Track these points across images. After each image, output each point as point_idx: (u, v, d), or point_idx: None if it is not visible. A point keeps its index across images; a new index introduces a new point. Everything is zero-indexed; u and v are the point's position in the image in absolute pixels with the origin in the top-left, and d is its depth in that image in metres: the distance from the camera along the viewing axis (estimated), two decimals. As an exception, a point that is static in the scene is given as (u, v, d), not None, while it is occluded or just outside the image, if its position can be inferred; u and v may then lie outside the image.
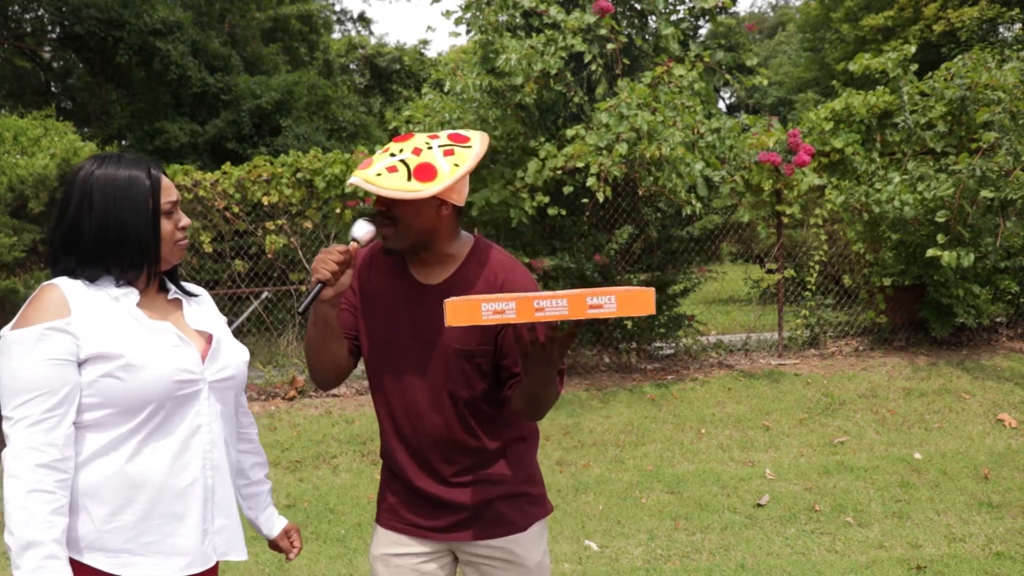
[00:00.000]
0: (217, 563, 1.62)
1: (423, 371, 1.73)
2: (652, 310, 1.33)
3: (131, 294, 1.56)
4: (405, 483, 1.81)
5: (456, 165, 1.61)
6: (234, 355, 1.67)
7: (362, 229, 1.66)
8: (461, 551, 1.83)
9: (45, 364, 1.43)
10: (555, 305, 1.32)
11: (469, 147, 1.65)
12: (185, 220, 1.63)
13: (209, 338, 1.64)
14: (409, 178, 1.58)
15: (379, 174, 1.59)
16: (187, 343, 1.57)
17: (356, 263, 1.77)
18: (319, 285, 1.58)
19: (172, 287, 1.68)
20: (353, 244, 1.64)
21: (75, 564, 1.45)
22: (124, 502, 1.47)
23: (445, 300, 1.36)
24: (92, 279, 1.53)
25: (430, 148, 1.63)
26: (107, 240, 1.53)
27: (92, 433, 1.48)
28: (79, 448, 1.47)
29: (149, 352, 1.49)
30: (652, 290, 1.34)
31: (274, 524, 1.86)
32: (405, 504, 1.82)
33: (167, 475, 1.51)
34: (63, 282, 1.51)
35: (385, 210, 1.66)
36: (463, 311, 1.32)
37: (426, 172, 1.59)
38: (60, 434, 1.43)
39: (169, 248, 1.60)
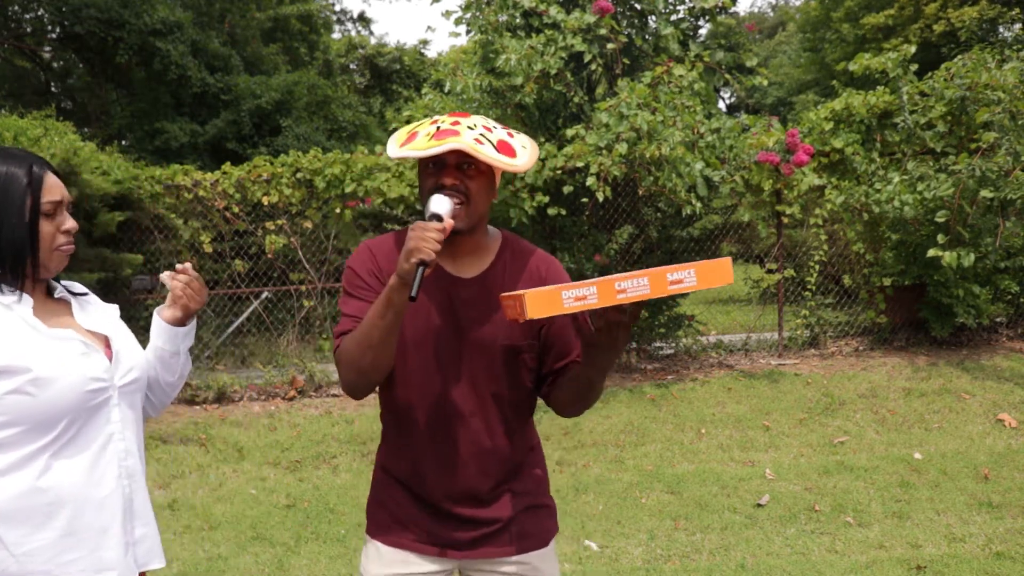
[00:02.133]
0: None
1: (465, 371, 1.60)
2: (731, 279, 1.32)
3: (24, 300, 1.44)
4: (423, 496, 1.66)
5: (523, 147, 1.57)
6: (134, 355, 1.57)
7: (444, 204, 1.49)
8: (474, 569, 1.69)
9: None
10: (637, 284, 1.28)
11: (523, 141, 1.61)
12: (71, 223, 1.49)
13: (106, 340, 1.54)
14: (497, 152, 1.51)
15: (479, 141, 1.49)
16: (93, 350, 1.48)
17: (375, 253, 1.64)
18: (422, 266, 1.39)
19: (58, 286, 1.56)
20: (442, 222, 1.47)
21: None
22: (41, 520, 1.37)
23: (522, 292, 1.28)
24: None
25: (494, 129, 1.57)
26: None
27: (1, 452, 1.37)
28: None
29: (57, 363, 1.39)
30: (729, 259, 1.33)
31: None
32: (417, 519, 1.66)
33: (84, 488, 1.42)
34: None
35: (457, 184, 1.53)
36: (543, 302, 1.25)
37: (507, 149, 1.53)
38: None
39: (48, 253, 1.46)
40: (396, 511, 1.68)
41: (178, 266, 1.62)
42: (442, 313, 1.60)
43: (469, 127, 1.52)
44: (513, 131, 1.60)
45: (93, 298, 1.65)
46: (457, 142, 1.47)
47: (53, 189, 1.46)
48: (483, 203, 1.58)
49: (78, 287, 1.63)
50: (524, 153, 1.55)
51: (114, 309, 1.67)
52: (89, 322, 1.55)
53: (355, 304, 1.61)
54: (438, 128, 1.52)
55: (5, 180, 1.42)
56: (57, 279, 1.57)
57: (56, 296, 1.55)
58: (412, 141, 1.53)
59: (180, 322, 1.63)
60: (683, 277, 1.30)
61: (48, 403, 1.38)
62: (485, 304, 1.61)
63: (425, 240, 1.40)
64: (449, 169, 1.53)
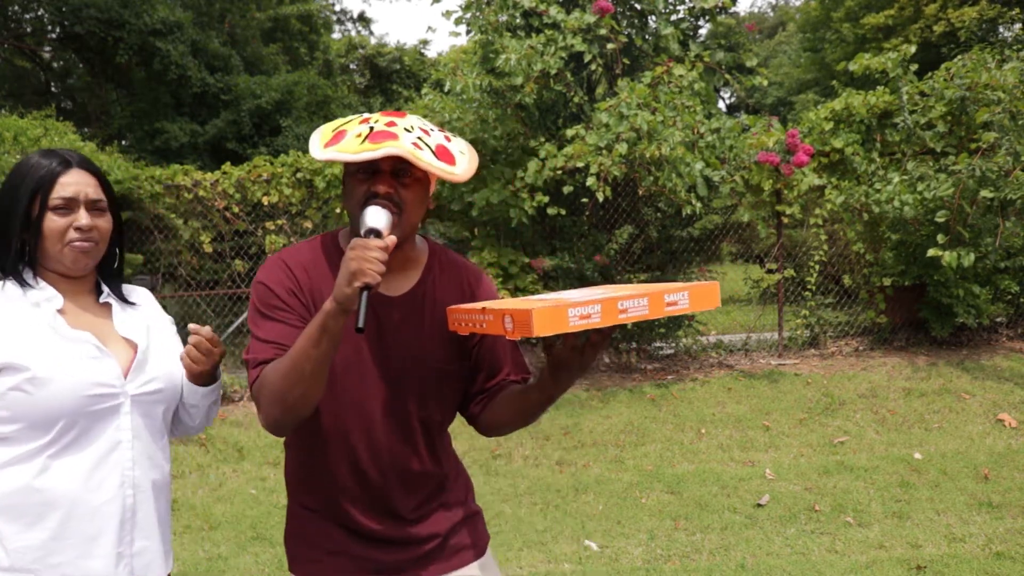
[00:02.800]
0: None
1: (391, 395, 1.48)
2: (718, 303, 1.33)
3: (54, 300, 1.46)
4: (347, 525, 1.53)
5: (462, 152, 1.43)
6: (166, 366, 1.55)
7: (381, 218, 1.35)
8: None
9: None
10: (637, 305, 1.27)
11: (460, 146, 1.48)
12: (84, 220, 1.47)
13: (137, 348, 1.53)
14: (436, 158, 1.37)
15: (417, 146, 1.35)
16: (106, 355, 1.46)
17: (292, 268, 1.47)
18: (366, 290, 1.25)
19: (106, 290, 1.57)
20: (381, 237, 1.33)
21: None
22: (33, 519, 1.39)
23: (528, 306, 1.20)
24: (13, 279, 1.46)
25: (432, 132, 1.43)
26: None
27: (2, 447, 1.39)
28: None
29: (59, 365, 1.39)
30: (717, 284, 1.35)
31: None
32: (346, 546, 1.53)
33: (79, 492, 1.41)
34: None
35: (393, 193, 1.39)
36: (550, 320, 1.19)
37: (446, 155, 1.39)
38: None
39: (58, 247, 1.46)
40: (322, 542, 1.54)
41: (191, 326, 1.56)
42: (368, 336, 1.46)
43: (406, 129, 1.38)
44: (450, 135, 1.47)
45: (146, 303, 1.64)
46: (395, 147, 1.32)
47: (67, 185, 1.46)
48: (417, 214, 1.45)
49: (136, 295, 1.64)
50: (463, 160, 1.41)
51: (167, 321, 1.65)
52: (126, 328, 1.54)
53: (272, 327, 1.43)
54: (371, 129, 1.37)
55: (26, 172, 1.46)
56: (115, 284, 1.58)
57: (101, 301, 1.56)
58: (339, 141, 1.38)
59: (197, 380, 1.58)
60: (678, 299, 1.30)
61: (44, 403, 1.38)
62: (416, 324, 1.49)
63: (368, 261, 1.24)
64: (383, 176, 1.38)
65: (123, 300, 1.59)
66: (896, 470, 4.80)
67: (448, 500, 1.60)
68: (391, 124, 1.38)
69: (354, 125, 1.41)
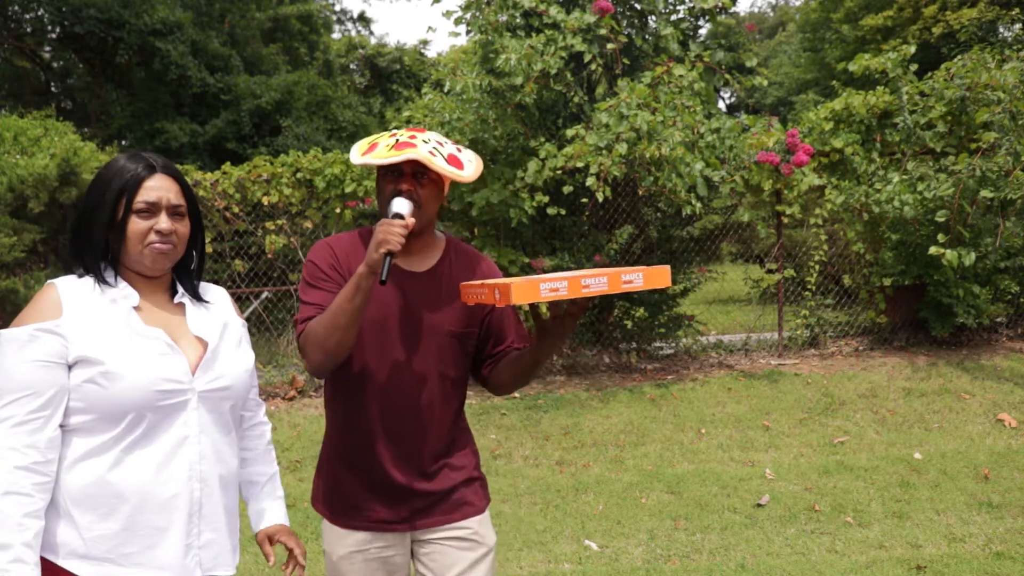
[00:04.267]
0: None
1: (414, 353, 1.82)
2: (669, 283, 1.62)
3: (130, 297, 1.53)
4: (374, 474, 1.83)
5: (469, 161, 1.82)
6: (233, 364, 1.62)
7: (405, 205, 1.72)
8: (421, 538, 1.88)
9: (32, 365, 1.41)
10: (598, 282, 1.54)
11: (468, 156, 1.86)
12: (165, 225, 1.54)
13: (207, 346, 1.59)
14: (447, 164, 1.75)
15: (432, 154, 1.73)
16: (176, 351, 1.52)
17: (334, 249, 1.85)
18: (389, 256, 1.62)
19: (181, 290, 1.64)
20: (403, 219, 1.70)
21: (57, 569, 1.43)
22: (107, 511, 1.45)
23: (510, 280, 1.51)
24: (94, 276, 1.53)
25: (445, 144, 1.80)
26: (80, 230, 1.54)
27: (78, 437, 1.46)
28: (66, 451, 1.45)
29: (131, 360, 1.46)
30: (668, 267, 1.62)
31: (262, 519, 1.78)
32: (369, 499, 1.84)
33: (150, 486, 1.47)
34: (62, 282, 1.50)
35: (412, 190, 1.76)
36: (526, 290, 1.47)
37: (456, 162, 1.77)
38: (44, 436, 1.41)
39: (138, 249, 1.53)
40: (348, 493, 1.86)
41: (270, 561, 1.75)
42: (396, 301, 1.82)
43: (424, 141, 1.75)
44: (461, 146, 1.86)
45: (221, 302, 1.72)
46: (414, 153, 1.70)
47: (151, 190, 1.54)
48: (432, 208, 1.82)
49: (211, 294, 1.71)
50: (470, 166, 1.80)
51: (239, 323, 1.73)
52: (198, 327, 1.61)
53: (317, 294, 1.80)
54: (397, 140, 1.75)
55: (113, 175, 1.54)
56: (190, 284, 1.66)
57: (176, 300, 1.63)
58: (373, 151, 1.76)
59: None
60: (633, 278, 1.57)
61: (115, 396, 1.44)
62: (435, 294, 1.85)
63: (392, 234, 1.62)
64: (406, 177, 1.76)
65: (198, 299, 1.67)
66: (896, 470, 4.80)
67: (455, 463, 1.90)
68: (412, 137, 1.76)
69: (384, 139, 1.79)
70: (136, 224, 1.53)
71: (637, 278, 1.57)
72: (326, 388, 1.91)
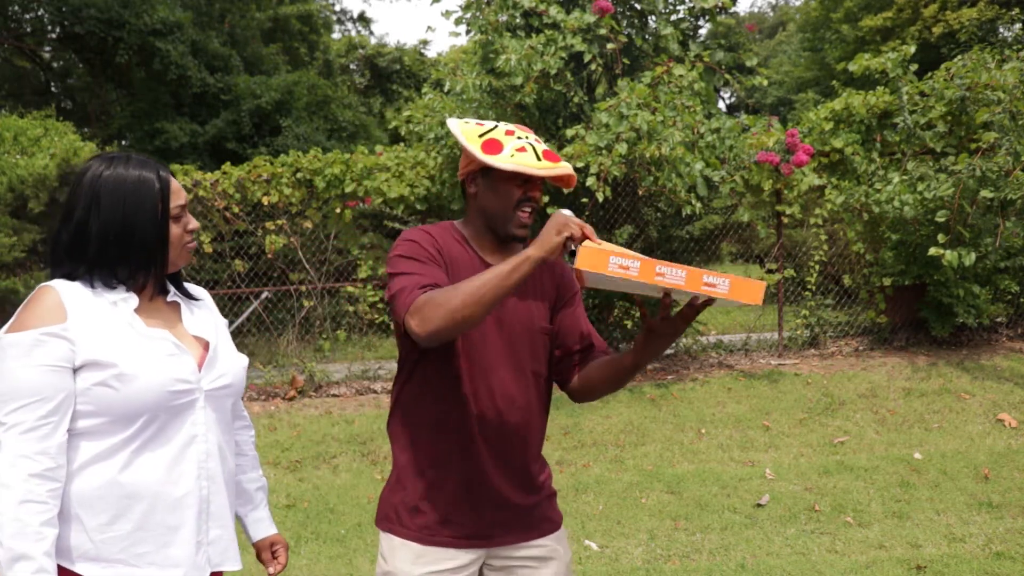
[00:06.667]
0: (212, 574, 1.59)
1: (510, 349, 1.76)
2: (759, 301, 1.41)
3: (130, 299, 1.52)
4: (470, 477, 1.73)
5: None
6: (232, 362, 1.63)
7: (569, 212, 1.66)
8: (498, 556, 1.78)
9: (40, 370, 1.40)
10: (674, 274, 1.39)
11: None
12: (194, 223, 1.60)
13: (207, 345, 1.60)
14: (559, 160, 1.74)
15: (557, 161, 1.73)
16: (183, 352, 1.53)
17: (433, 235, 1.79)
18: (569, 240, 1.53)
19: (172, 289, 1.64)
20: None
21: (71, 574, 1.43)
22: (119, 512, 1.45)
23: (584, 247, 1.41)
24: (94, 282, 1.50)
25: (530, 137, 1.77)
26: (114, 243, 1.50)
27: (86, 441, 1.45)
28: (73, 456, 1.44)
29: (143, 362, 1.46)
30: (764, 283, 1.42)
31: (260, 529, 1.80)
32: (459, 509, 1.74)
33: (161, 485, 1.48)
34: (60, 285, 1.48)
35: (539, 196, 1.79)
36: (593, 257, 1.38)
37: (552, 156, 1.74)
38: (54, 442, 1.40)
39: (177, 251, 1.58)
40: (438, 506, 1.74)
41: (270, 570, 1.79)
42: None
43: (536, 141, 1.74)
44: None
45: (208, 301, 1.73)
46: (566, 168, 1.71)
47: (179, 193, 1.57)
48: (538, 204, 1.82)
49: (198, 292, 1.72)
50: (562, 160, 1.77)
51: (224, 322, 1.74)
52: (195, 326, 1.62)
53: (427, 268, 1.68)
54: (533, 148, 1.71)
55: (139, 186, 1.52)
56: (179, 282, 1.66)
57: (169, 300, 1.63)
58: (497, 152, 1.70)
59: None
60: (717, 283, 1.40)
61: (130, 398, 1.44)
62: (523, 292, 1.81)
63: (572, 224, 1.53)
64: (536, 184, 1.75)
65: (188, 298, 1.67)
66: (896, 470, 4.80)
67: (544, 475, 1.85)
68: (538, 140, 1.75)
69: (504, 137, 1.73)
70: (175, 229, 1.56)
71: (722, 284, 1.40)
72: (407, 389, 1.80)
